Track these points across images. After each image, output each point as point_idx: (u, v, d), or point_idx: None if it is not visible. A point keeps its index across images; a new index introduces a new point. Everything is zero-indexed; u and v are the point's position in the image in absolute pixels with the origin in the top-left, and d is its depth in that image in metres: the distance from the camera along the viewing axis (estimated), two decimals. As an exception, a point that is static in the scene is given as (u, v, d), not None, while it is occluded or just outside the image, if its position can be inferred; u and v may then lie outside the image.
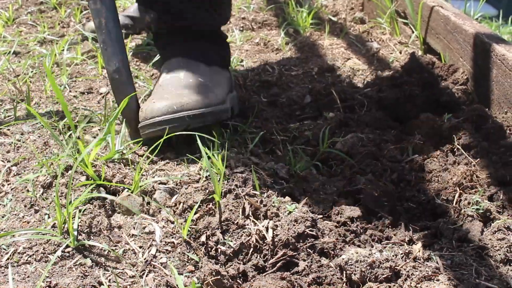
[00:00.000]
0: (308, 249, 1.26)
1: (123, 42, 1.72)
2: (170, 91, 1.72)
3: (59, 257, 1.27)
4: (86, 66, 2.42)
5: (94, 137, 1.77)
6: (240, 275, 1.23)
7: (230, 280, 1.20)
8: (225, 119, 1.77)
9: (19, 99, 2.06)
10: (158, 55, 2.51)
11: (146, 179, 1.56)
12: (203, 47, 1.92)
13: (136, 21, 2.83)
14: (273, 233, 1.29)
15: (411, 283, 1.13)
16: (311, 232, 1.28)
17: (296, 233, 1.27)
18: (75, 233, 1.32)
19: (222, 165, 1.49)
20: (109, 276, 1.26)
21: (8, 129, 1.84)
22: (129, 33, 2.79)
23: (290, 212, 1.32)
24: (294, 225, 1.29)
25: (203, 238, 1.34)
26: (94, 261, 1.29)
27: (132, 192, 1.49)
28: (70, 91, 2.18)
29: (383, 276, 1.15)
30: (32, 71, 2.34)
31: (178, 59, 1.87)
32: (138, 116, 1.72)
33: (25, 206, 1.46)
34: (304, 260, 1.24)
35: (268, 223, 1.31)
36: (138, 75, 2.31)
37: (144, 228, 1.40)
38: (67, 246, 1.30)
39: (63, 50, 2.50)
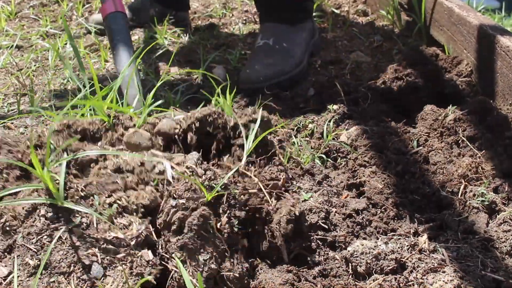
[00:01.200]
0: (318, 241, 1.26)
1: (132, 51, 1.88)
2: (260, 61, 2.18)
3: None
4: (89, 59, 2.42)
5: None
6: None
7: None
8: (300, 78, 2.20)
9: (23, 93, 2.06)
10: (160, 48, 2.50)
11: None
12: (292, 8, 2.33)
13: (140, 13, 2.85)
14: None
15: (416, 275, 1.12)
16: (323, 225, 1.28)
17: (309, 223, 1.28)
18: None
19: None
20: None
21: (12, 123, 1.84)
22: (133, 26, 2.79)
23: (305, 200, 1.33)
24: (308, 214, 1.30)
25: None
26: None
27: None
28: (73, 86, 2.17)
29: (389, 268, 1.15)
30: (35, 65, 2.34)
31: (270, 24, 2.32)
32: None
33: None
34: (313, 253, 1.24)
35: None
36: (141, 68, 2.30)
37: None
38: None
39: (65, 44, 2.49)
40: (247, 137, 1.38)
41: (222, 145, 1.43)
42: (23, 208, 1.17)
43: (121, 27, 1.94)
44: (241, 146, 1.42)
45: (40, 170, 1.13)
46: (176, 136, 1.42)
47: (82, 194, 1.17)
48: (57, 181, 1.16)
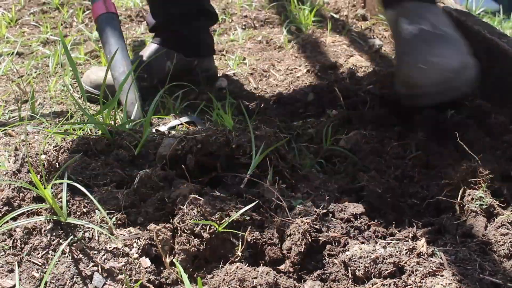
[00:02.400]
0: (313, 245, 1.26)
1: (126, 52, 1.87)
2: (429, 51, 1.55)
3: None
4: (90, 66, 2.43)
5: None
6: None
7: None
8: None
9: (23, 99, 2.07)
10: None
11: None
12: None
13: (153, 69, 2.15)
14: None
15: (415, 278, 1.13)
16: (316, 228, 1.28)
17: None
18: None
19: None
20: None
21: (13, 130, 1.85)
22: (144, 87, 2.07)
23: (294, 207, 1.32)
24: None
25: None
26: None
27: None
28: (74, 92, 2.18)
29: (387, 271, 1.15)
30: (35, 72, 2.35)
31: (414, 4, 1.70)
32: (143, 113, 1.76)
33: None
34: (308, 257, 1.25)
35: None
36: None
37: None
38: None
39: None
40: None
41: (226, 164, 1.46)
42: (30, 225, 1.22)
43: (113, 29, 1.93)
44: (246, 166, 1.44)
45: (43, 190, 1.18)
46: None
47: (84, 210, 1.22)
48: (60, 199, 1.22)
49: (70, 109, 1.99)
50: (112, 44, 1.90)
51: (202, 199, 1.22)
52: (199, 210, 1.19)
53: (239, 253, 1.19)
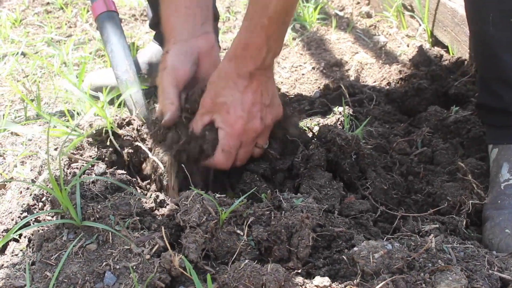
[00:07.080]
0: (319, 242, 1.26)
1: (128, 50, 1.86)
2: None
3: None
4: (95, 65, 2.43)
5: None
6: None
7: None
8: None
9: (29, 99, 2.07)
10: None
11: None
12: None
13: (153, 70, 2.21)
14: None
15: (424, 274, 1.13)
16: (323, 224, 1.28)
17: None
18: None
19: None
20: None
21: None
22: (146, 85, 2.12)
23: (298, 205, 1.32)
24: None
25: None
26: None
27: None
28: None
29: (396, 267, 1.15)
30: (41, 71, 2.35)
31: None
32: (149, 111, 1.76)
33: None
34: (316, 253, 1.25)
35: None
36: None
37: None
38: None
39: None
40: None
41: None
42: (46, 228, 1.26)
43: (114, 27, 1.92)
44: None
45: (60, 195, 1.20)
46: None
47: (98, 216, 1.23)
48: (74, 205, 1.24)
49: (75, 108, 2.00)
50: (113, 42, 1.88)
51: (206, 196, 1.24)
52: (202, 204, 1.21)
53: (247, 247, 1.19)
